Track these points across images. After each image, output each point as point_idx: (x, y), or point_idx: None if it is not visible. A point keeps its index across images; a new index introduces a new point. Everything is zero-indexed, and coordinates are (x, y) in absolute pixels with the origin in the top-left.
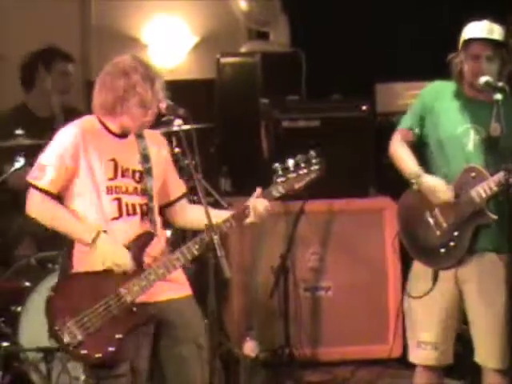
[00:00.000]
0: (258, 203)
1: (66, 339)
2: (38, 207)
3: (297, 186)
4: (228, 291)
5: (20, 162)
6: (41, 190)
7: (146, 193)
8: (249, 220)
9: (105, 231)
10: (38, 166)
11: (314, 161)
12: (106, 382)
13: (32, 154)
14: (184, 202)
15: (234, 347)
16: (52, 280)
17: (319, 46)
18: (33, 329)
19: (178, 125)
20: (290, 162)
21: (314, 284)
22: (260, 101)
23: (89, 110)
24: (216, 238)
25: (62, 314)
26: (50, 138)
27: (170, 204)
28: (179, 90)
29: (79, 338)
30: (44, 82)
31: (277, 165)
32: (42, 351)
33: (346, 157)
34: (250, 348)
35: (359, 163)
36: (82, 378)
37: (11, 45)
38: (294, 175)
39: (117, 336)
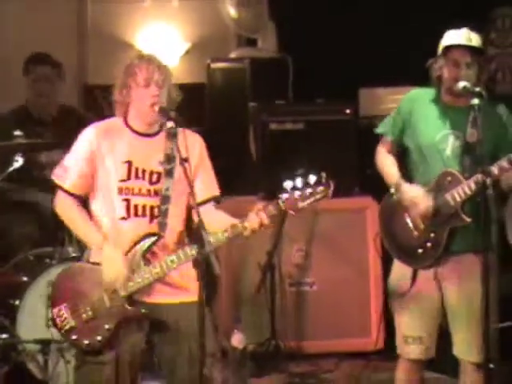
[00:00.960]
0: (254, 223)
1: (60, 323)
2: (59, 206)
3: (300, 205)
4: (217, 286)
5: (18, 162)
6: (63, 189)
7: (159, 194)
8: (246, 233)
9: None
10: (61, 166)
11: (323, 180)
12: (90, 367)
13: (31, 154)
14: (209, 206)
15: (222, 339)
16: (48, 275)
17: (305, 52)
18: (30, 321)
19: (169, 127)
20: (299, 181)
21: (298, 279)
22: (248, 104)
23: (88, 112)
24: (206, 235)
25: (60, 300)
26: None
27: (191, 207)
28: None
29: (71, 323)
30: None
31: (286, 182)
32: (39, 343)
33: (330, 158)
34: (237, 340)
35: (342, 164)
36: (73, 362)
37: (10, 48)
38: (299, 194)
39: (106, 326)
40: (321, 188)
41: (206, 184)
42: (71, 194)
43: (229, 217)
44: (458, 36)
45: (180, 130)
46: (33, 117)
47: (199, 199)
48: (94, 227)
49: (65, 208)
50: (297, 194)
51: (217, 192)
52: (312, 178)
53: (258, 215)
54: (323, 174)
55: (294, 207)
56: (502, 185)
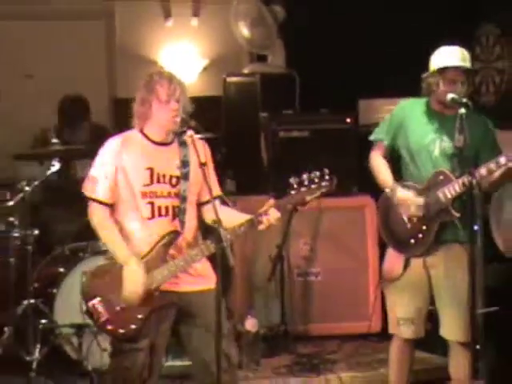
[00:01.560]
0: (270, 214)
1: (95, 316)
2: (94, 218)
3: (308, 198)
4: (232, 276)
5: (55, 167)
6: (96, 200)
7: (179, 195)
8: (260, 228)
9: (130, 261)
10: (90, 179)
11: (326, 177)
12: (127, 355)
13: (67, 160)
14: (216, 204)
15: (237, 324)
16: (82, 266)
17: (310, 68)
18: (66, 308)
19: (189, 135)
20: (305, 177)
21: (305, 270)
22: (260, 114)
23: (116, 123)
24: (222, 231)
25: (94, 294)
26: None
27: (201, 204)
28: (191, 106)
29: (106, 316)
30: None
31: (292, 179)
32: (74, 327)
33: (333, 162)
34: (250, 324)
35: (344, 167)
36: (109, 349)
37: (40, 65)
38: (305, 189)
39: (139, 316)
40: (324, 182)
41: (210, 185)
42: (104, 204)
43: (235, 211)
44: (453, 56)
45: (188, 135)
46: (64, 131)
47: (205, 199)
48: (123, 242)
49: (99, 219)
50: (303, 188)
51: (220, 191)
52: (316, 174)
53: (269, 211)
54: (326, 170)
55: (302, 201)
56: (483, 185)
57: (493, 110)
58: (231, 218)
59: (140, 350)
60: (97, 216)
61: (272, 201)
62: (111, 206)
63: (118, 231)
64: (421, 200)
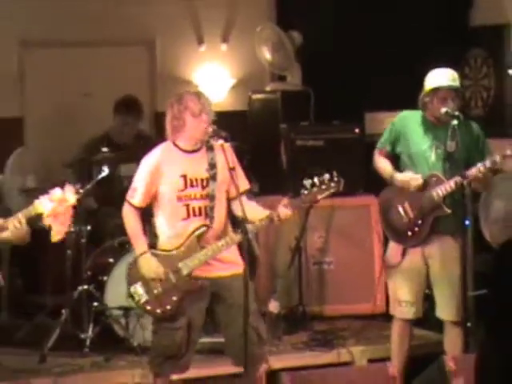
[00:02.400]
0: (282, 213)
1: (136, 298)
2: (125, 214)
3: (319, 197)
4: (257, 265)
5: (105, 171)
6: (130, 204)
7: (209, 196)
8: (276, 223)
9: (144, 252)
10: (132, 187)
11: (334, 179)
12: (165, 332)
13: (114, 166)
14: (243, 199)
15: (261, 306)
16: (129, 257)
17: (323, 85)
18: (115, 293)
19: (220, 144)
20: (316, 179)
21: (320, 259)
22: (280, 126)
23: (157, 134)
24: (249, 226)
25: (136, 279)
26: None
27: (230, 199)
28: (221, 119)
29: (145, 297)
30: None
31: (305, 180)
32: (122, 309)
33: (343, 166)
34: (273, 306)
35: (352, 171)
36: (150, 328)
37: (97, 85)
38: (317, 189)
39: (173, 298)
40: (333, 183)
41: (241, 181)
42: (136, 208)
43: (258, 206)
44: (444, 78)
45: (218, 144)
46: (113, 141)
47: (233, 195)
48: (143, 238)
49: (128, 217)
50: (315, 189)
51: (248, 186)
52: (326, 176)
53: (286, 208)
54: (334, 173)
55: (314, 200)
56: (473, 185)
57: (481, 121)
58: (255, 211)
59: (178, 329)
60: (126, 215)
61: (285, 200)
62: (140, 210)
63: (141, 229)
64: (418, 176)
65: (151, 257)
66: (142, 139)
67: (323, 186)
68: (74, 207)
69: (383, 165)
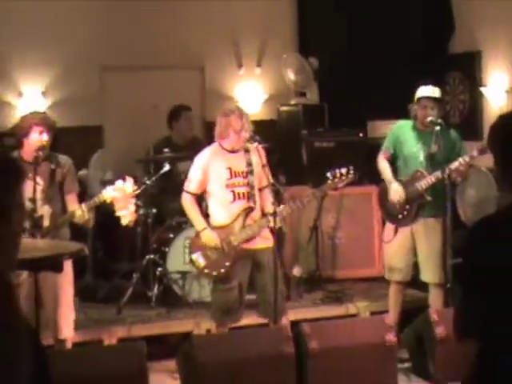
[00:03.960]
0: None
1: (196, 263)
2: (183, 201)
3: (339, 185)
4: (285, 239)
5: (166, 167)
6: (187, 192)
7: (249, 185)
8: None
9: (205, 228)
10: (188, 178)
11: (351, 171)
12: (221, 292)
13: (173, 163)
14: (266, 190)
15: (287, 270)
16: (185, 233)
17: (335, 100)
18: (174, 260)
19: (255, 146)
20: (337, 171)
21: (332, 235)
22: (301, 131)
23: (207, 139)
24: (278, 209)
25: (196, 250)
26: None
27: (261, 189)
28: (256, 126)
29: (204, 263)
30: (177, 124)
31: (328, 173)
32: (180, 273)
33: (350, 162)
34: (296, 271)
35: (357, 166)
36: (207, 287)
37: (160, 99)
38: (337, 179)
39: (226, 263)
40: (349, 176)
41: (263, 177)
42: (192, 195)
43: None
44: (426, 91)
45: (254, 146)
46: (172, 142)
47: (264, 184)
48: (201, 218)
49: (187, 203)
50: (336, 179)
51: (267, 182)
52: (344, 170)
53: (310, 196)
54: (351, 167)
55: (335, 187)
56: (452, 177)
57: (458, 127)
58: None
59: (232, 289)
60: (185, 201)
61: (310, 190)
62: (196, 196)
63: (199, 211)
64: (401, 194)
65: (210, 231)
66: (196, 142)
67: (343, 177)
68: (136, 196)
69: (384, 167)
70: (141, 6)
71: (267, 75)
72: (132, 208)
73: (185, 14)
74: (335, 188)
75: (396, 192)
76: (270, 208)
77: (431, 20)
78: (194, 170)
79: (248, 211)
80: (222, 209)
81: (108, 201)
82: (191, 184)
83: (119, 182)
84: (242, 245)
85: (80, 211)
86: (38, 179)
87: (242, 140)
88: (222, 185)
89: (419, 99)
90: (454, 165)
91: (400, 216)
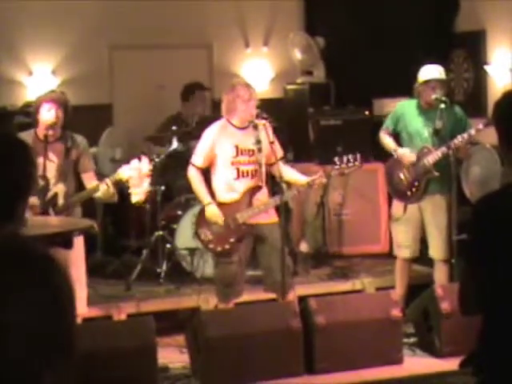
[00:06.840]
0: (318, 181)
1: (202, 237)
2: (189, 174)
3: (346, 171)
4: (291, 215)
5: (174, 144)
6: (193, 165)
7: (255, 163)
8: (313, 188)
9: (210, 203)
10: (195, 152)
11: (358, 158)
12: (223, 265)
13: (182, 139)
14: (280, 163)
15: (294, 246)
16: (193, 210)
17: (341, 78)
18: (182, 237)
19: (263, 123)
20: (344, 157)
21: (339, 212)
22: (308, 109)
23: (215, 117)
24: (285, 186)
25: (202, 225)
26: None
27: (271, 165)
28: (263, 104)
29: (209, 237)
30: (191, 101)
31: (336, 158)
32: (188, 249)
33: (356, 140)
34: (303, 247)
35: (363, 143)
36: (210, 261)
37: (168, 78)
38: (344, 165)
39: (231, 240)
40: (356, 162)
41: (275, 151)
42: (197, 168)
43: (295, 172)
44: (435, 72)
45: (263, 123)
46: (182, 120)
47: (271, 161)
48: (206, 192)
49: (192, 176)
50: (343, 165)
51: (282, 153)
52: (351, 156)
53: (322, 177)
54: (358, 154)
55: (341, 173)
56: (456, 154)
57: (462, 105)
58: (293, 175)
59: (232, 263)
60: (191, 174)
61: (321, 171)
62: (201, 170)
63: (204, 185)
64: (413, 154)
65: (215, 206)
66: (204, 120)
67: (349, 164)
68: (150, 175)
69: (387, 141)
70: None
71: (274, 54)
72: (146, 187)
73: None
74: (342, 174)
75: (407, 155)
76: (302, 179)
77: None
78: (202, 144)
79: (255, 190)
80: (226, 186)
81: (124, 180)
82: (197, 157)
83: (135, 162)
84: (249, 222)
85: (105, 186)
86: (53, 157)
87: (251, 110)
88: (227, 161)
89: (427, 81)
90: (455, 142)
91: (409, 193)
